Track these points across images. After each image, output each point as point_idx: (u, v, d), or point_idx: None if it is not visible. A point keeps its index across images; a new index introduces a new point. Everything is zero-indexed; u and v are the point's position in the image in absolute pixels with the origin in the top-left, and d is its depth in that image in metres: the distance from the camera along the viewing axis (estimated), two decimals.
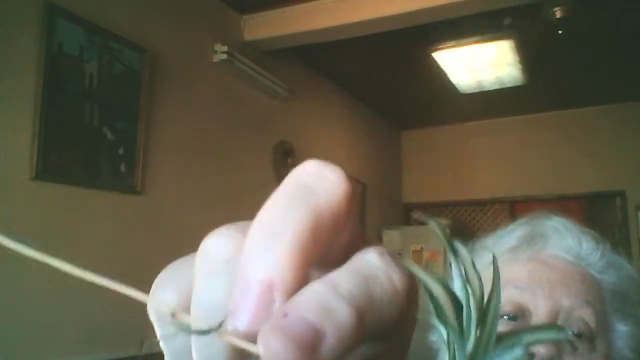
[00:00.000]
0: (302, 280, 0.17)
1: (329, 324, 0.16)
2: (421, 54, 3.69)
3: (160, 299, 0.20)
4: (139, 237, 2.37)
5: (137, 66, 2.41)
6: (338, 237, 0.19)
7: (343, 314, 0.16)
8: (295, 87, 3.64)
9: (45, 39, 1.99)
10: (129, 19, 2.41)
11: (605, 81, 4.20)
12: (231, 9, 3.13)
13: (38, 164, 1.94)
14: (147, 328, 0.21)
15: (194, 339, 0.20)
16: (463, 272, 0.17)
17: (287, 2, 3.08)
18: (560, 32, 3.12)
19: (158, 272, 0.22)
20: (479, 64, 3.86)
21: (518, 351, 0.15)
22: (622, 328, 0.66)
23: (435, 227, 0.18)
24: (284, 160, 3.50)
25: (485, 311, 0.16)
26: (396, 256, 0.20)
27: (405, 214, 5.41)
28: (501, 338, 0.16)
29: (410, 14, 2.87)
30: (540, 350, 0.57)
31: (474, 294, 0.16)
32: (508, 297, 0.64)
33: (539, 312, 0.63)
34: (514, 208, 4.95)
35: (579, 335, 0.61)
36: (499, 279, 0.17)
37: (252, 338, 0.16)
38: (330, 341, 0.16)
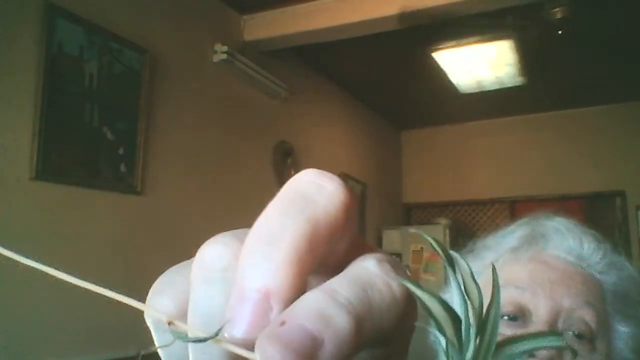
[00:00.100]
0: (299, 289, 0.17)
1: (327, 332, 0.16)
2: (421, 54, 3.69)
3: (157, 306, 0.20)
4: (139, 237, 2.37)
5: (137, 66, 2.41)
6: (336, 246, 0.19)
7: (341, 322, 0.16)
8: (295, 87, 3.63)
9: (45, 39, 1.99)
10: (129, 19, 2.41)
11: (605, 81, 4.20)
12: (231, 9, 3.13)
13: (38, 164, 1.94)
14: (145, 331, 0.21)
15: (191, 347, 0.19)
16: (461, 283, 0.17)
17: (287, 2, 3.08)
18: (560, 32, 3.11)
19: (157, 272, 0.22)
20: (479, 64, 3.86)
21: (518, 358, 0.15)
22: (622, 329, 0.65)
23: (431, 242, 0.18)
24: (284, 160, 3.50)
25: (485, 321, 0.16)
26: (395, 263, 0.20)
27: (405, 214, 5.41)
28: (501, 346, 0.16)
29: (410, 14, 2.87)
30: (541, 351, 0.57)
31: (472, 304, 0.16)
32: (508, 297, 0.64)
33: (540, 313, 0.63)
34: (514, 208, 4.95)
35: (579, 336, 0.61)
36: (498, 288, 0.17)
37: (249, 346, 0.16)
38: (328, 349, 0.16)
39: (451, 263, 0.17)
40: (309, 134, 3.88)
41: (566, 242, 0.68)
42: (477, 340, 0.16)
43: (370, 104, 4.75)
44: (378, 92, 4.52)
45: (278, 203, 0.19)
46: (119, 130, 2.30)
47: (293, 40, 3.25)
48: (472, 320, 0.16)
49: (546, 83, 4.27)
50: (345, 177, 4.10)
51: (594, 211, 4.77)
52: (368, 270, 0.19)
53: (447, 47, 3.62)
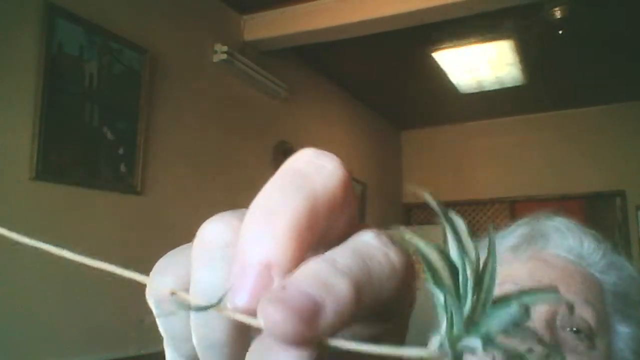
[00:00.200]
0: (299, 263, 0.17)
1: (327, 297, 0.16)
2: (421, 54, 3.69)
3: (159, 283, 0.21)
4: (139, 237, 2.37)
5: (137, 66, 2.41)
6: (334, 224, 0.20)
7: (341, 287, 0.16)
8: (295, 87, 3.64)
9: (45, 39, 1.99)
10: (129, 19, 2.41)
11: (605, 81, 4.20)
12: (231, 9, 3.13)
13: (38, 164, 1.94)
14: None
15: (193, 320, 0.20)
16: (458, 240, 0.17)
17: (287, 2, 3.08)
18: (560, 32, 3.12)
19: None
20: (479, 64, 3.86)
21: (514, 307, 0.15)
22: (623, 329, 0.65)
23: (428, 198, 0.18)
24: (284, 160, 3.46)
25: (482, 276, 0.16)
26: (393, 236, 0.20)
27: (405, 214, 5.41)
28: (498, 300, 0.16)
29: (410, 14, 2.87)
30: (539, 348, 0.57)
31: (469, 259, 0.17)
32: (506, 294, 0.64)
33: (538, 310, 0.63)
34: (514, 208, 4.95)
35: (577, 332, 0.61)
36: (494, 245, 0.17)
37: (251, 315, 0.17)
38: (329, 313, 0.16)
39: (447, 218, 0.17)
40: (309, 134, 3.88)
41: (566, 241, 0.68)
42: (475, 296, 0.16)
43: (370, 104, 4.75)
44: (378, 92, 4.52)
45: (277, 180, 0.20)
46: (119, 130, 2.30)
47: (293, 40, 3.25)
48: (469, 274, 0.16)
49: (546, 83, 4.27)
50: None
51: (594, 211, 4.78)
52: (366, 242, 0.19)
53: (447, 47, 3.62)
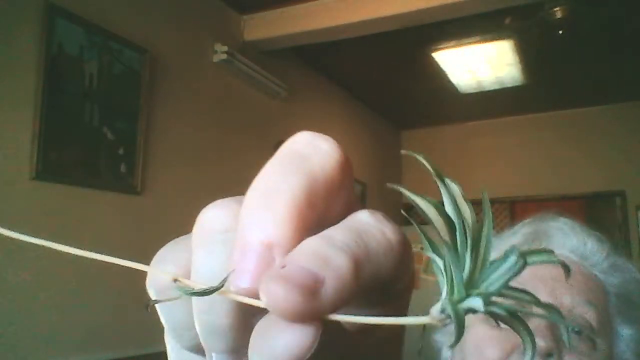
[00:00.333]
0: (299, 242, 0.18)
1: (327, 271, 0.16)
2: (421, 54, 3.69)
3: (160, 272, 0.21)
4: (139, 237, 2.37)
5: (137, 66, 2.41)
6: (333, 205, 0.20)
7: (340, 262, 0.17)
8: (295, 87, 3.63)
9: (45, 39, 1.99)
10: (129, 19, 2.41)
11: (605, 81, 4.20)
12: (231, 9, 3.13)
13: (38, 164, 1.94)
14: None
15: (195, 306, 0.20)
16: (454, 203, 0.17)
17: (287, 2, 3.08)
18: (560, 32, 3.11)
19: None
20: (479, 64, 3.86)
21: (512, 258, 0.16)
22: (625, 331, 0.65)
23: (421, 159, 0.18)
24: None
25: (479, 235, 0.17)
26: (387, 216, 0.20)
27: (405, 214, 5.41)
28: (495, 260, 0.16)
29: (411, 14, 2.87)
30: (539, 344, 0.56)
31: (465, 219, 0.17)
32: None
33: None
34: (514, 208, 4.95)
35: (578, 332, 0.61)
36: (489, 206, 0.17)
37: (254, 296, 0.17)
38: (329, 288, 0.16)
39: (442, 180, 0.18)
40: None
41: (569, 241, 0.68)
42: (473, 254, 0.16)
43: (370, 104, 4.75)
44: (378, 92, 4.51)
45: (276, 162, 0.20)
46: (119, 130, 2.30)
47: (293, 40, 3.25)
48: (467, 231, 0.17)
49: (546, 83, 4.27)
50: None
51: (594, 211, 4.77)
52: (362, 220, 0.19)
53: (447, 47, 3.62)
